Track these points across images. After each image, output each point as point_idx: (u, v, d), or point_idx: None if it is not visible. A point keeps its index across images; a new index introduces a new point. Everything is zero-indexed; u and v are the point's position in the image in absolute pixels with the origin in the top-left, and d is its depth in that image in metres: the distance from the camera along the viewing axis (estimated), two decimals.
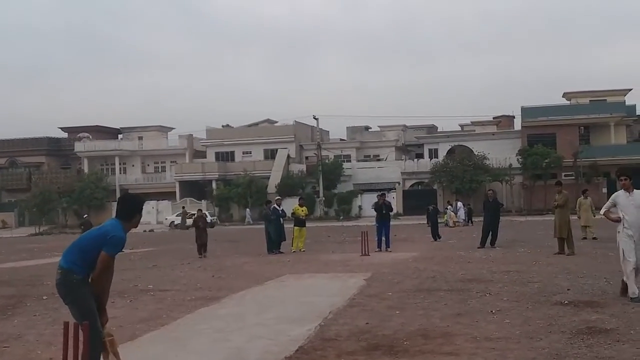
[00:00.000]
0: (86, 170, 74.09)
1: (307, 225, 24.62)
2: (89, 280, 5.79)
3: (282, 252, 22.61)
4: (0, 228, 69.09)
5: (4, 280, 17.29)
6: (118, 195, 70.29)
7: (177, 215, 59.27)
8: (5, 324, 10.31)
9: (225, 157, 73.23)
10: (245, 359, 7.36)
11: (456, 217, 42.32)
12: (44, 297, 12.57)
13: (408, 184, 67.04)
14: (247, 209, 63.12)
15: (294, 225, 23.83)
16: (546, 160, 58.51)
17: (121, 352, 7.00)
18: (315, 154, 67.22)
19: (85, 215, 46.40)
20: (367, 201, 56.32)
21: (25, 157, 78.68)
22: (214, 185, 68.75)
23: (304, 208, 24.70)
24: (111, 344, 5.81)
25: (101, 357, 5.82)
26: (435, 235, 27.50)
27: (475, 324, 8.76)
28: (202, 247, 23.38)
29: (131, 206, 6.15)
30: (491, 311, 9.65)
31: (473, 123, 74.64)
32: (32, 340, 8.79)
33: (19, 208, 71.11)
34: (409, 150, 74.83)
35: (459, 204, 44.78)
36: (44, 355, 7.80)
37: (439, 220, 31.56)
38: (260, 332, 8.77)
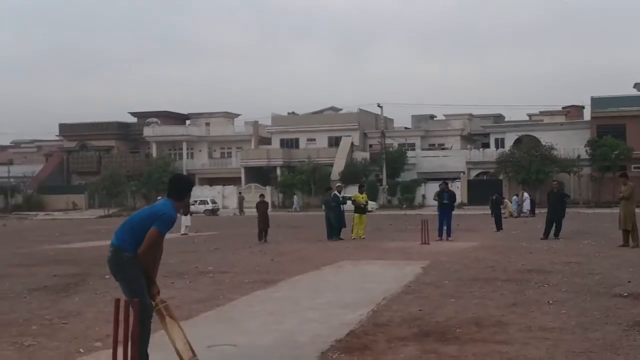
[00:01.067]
0: (154, 155, 75.44)
1: (369, 213, 24.59)
2: (137, 254, 5.92)
3: (342, 239, 22.65)
4: (71, 210, 71.12)
5: (70, 259, 17.83)
6: None
7: (211, 203, 59.74)
8: (67, 301, 10.64)
9: (289, 143, 73.62)
10: (295, 341, 7.43)
11: (514, 208, 41.79)
12: (106, 277, 12.84)
13: (473, 173, 66.17)
14: (295, 196, 63.22)
15: (354, 212, 23.86)
16: (615, 152, 56.92)
17: None
18: (379, 142, 66.93)
19: (159, 198, 47.39)
20: (431, 190, 55.82)
21: (95, 141, 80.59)
22: (278, 171, 69.22)
23: (364, 195, 24.69)
24: (166, 309, 5.98)
25: (164, 325, 5.96)
26: (499, 226, 27.14)
27: (530, 314, 8.64)
28: (263, 232, 23.43)
29: (182, 186, 6.28)
30: (548, 302, 9.50)
31: (541, 113, 73.08)
32: (91, 318, 9.05)
33: (89, 190, 72.81)
34: (475, 139, 73.82)
35: (525, 194, 44.17)
36: (101, 332, 8.02)
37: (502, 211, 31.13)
38: (313, 316, 8.84)
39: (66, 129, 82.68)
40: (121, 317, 5.67)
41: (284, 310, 9.38)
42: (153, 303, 5.97)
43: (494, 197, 30.94)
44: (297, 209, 60.24)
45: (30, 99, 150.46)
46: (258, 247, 20.54)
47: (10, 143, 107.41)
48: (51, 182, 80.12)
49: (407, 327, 8.01)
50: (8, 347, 7.43)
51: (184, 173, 72.01)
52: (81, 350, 7.22)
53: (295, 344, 7.29)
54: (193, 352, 5.91)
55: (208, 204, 59.21)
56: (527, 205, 42.51)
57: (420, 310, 9.10)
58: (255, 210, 25.86)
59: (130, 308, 5.67)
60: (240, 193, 60.86)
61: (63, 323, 8.74)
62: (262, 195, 26.84)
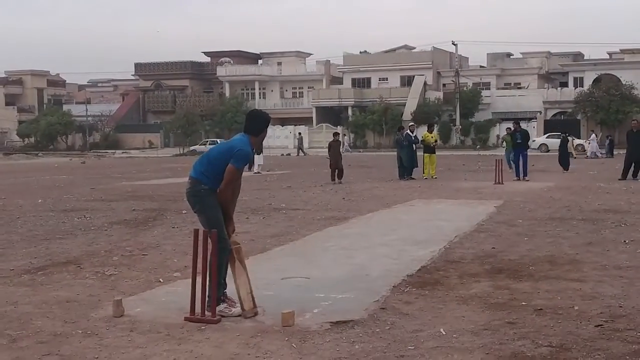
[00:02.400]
0: (227, 95, 76.17)
1: (442, 153, 24.32)
2: (217, 191, 6.03)
3: (413, 179, 22.56)
4: (147, 148, 72.77)
5: (147, 195, 18.34)
6: None
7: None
8: (146, 234, 10.99)
9: (361, 83, 73.09)
10: (367, 275, 7.51)
11: (593, 149, 40.95)
12: (183, 212, 13.22)
13: (550, 113, 64.59)
14: (345, 136, 60.86)
15: (424, 152, 23.66)
16: None
17: (252, 262, 7.45)
18: (453, 81, 65.75)
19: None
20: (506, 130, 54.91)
21: (170, 80, 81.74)
22: (349, 111, 69.01)
23: (434, 134, 24.45)
24: (237, 251, 6.05)
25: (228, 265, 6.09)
26: (565, 165, 26.17)
27: (605, 253, 8.50)
28: (335, 172, 22.40)
29: (260, 121, 6.29)
30: (624, 241, 9.32)
31: (622, 51, 70.30)
32: (169, 250, 9.33)
33: (164, 129, 74.16)
34: (553, 78, 71.79)
35: (593, 135, 43.41)
36: (180, 264, 8.28)
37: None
38: (384, 252, 8.90)
39: (141, 69, 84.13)
40: (200, 248, 5.85)
41: (356, 245, 9.47)
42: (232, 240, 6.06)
43: (563, 135, 29.41)
44: (349, 150, 57.97)
45: (107, 38, 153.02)
46: (329, 186, 20.66)
47: (88, 82, 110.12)
48: (127, 121, 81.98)
49: (480, 264, 8.00)
50: (91, 276, 7.74)
51: None
52: (161, 280, 7.47)
53: (366, 278, 7.37)
54: (254, 303, 5.98)
55: None
56: (593, 147, 41.66)
57: (493, 248, 9.05)
58: (327, 150, 24.68)
59: (209, 239, 5.83)
60: (299, 133, 60.98)
61: (143, 254, 9.04)
62: (336, 134, 25.90)
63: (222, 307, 5.93)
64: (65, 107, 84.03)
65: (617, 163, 26.00)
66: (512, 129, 22.59)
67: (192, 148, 63.15)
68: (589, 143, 42.81)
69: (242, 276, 6.01)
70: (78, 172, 32.49)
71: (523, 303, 6.19)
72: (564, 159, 26.75)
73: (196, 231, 5.91)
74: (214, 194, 5.99)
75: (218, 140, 61.45)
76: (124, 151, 69.33)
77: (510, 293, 6.57)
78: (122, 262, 8.54)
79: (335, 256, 8.73)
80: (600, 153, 41.64)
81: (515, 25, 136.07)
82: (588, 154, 41.32)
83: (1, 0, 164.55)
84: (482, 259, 8.28)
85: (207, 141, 62.16)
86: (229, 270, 6.07)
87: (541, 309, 5.95)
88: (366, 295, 6.54)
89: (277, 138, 67.29)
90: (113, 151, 68.74)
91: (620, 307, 5.98)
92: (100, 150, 70.16)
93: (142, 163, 43.72)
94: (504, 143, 29.18)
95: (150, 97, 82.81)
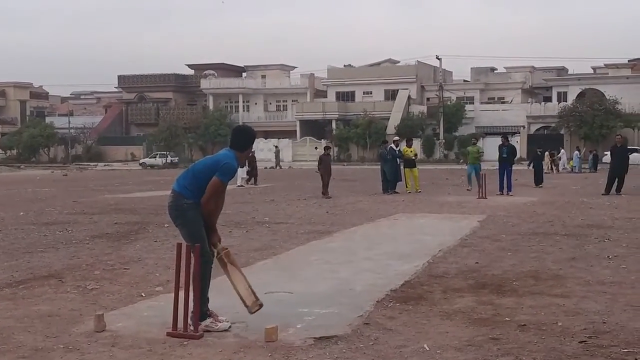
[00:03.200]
0: (211, 107, 76.08)
1: (425, 167, 24.38)
2: (201, 203, 5.99)
3: (397, 192, 22.58)
4: (129, 160, 72.46)
5: (129, 208, 18.22)
6: None
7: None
8: (128, 248, 10.90)
9: (345, 96, 73.27)
10: (351, 290, 7.48)
11: (575, 164, 41.43)
12: (165, 225, 13.14)
13: (534, 128, 65.03)
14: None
15: (404, 167, 23.67)
16: None
17: None
18: (437, 95, 66.09)
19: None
20: (490, 145, 55.14)
21: (153, 92, 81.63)
22: (333, 125, 69.12)
23: (413, 149, 24.57)
24: (227, 255, 6.04)
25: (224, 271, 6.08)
26: (538, 180, 26.33)
27: (589, 269, 8.52)
28: (327, 187, 21.97)
29: (246, 138, 6.26)
30: (608, 257, 9.35)
31: (606, 66, 71.07)
32: (151, 264, 9.26)
33: (147, 142, 73.94)
34: (537, 93, 72.37)
35: (562, 150, 44.60)
36: (162, 278, 8.22)
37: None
38: (368, 266, 8.88)
39: (125, 81, 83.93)
40: (182, 262, 5.80)
41: (340, 260, 9.44)
42: (215, 251, 6.04)
43: (538, 151, 29.34)
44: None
45: (90, 50, 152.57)
46: (313, 200, 20.63)
47: (70, 94, 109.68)
48: (110, 133, 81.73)
49: (463, 279, 7.99)
50: (73, 290, 7.66)
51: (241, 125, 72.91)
52: (143, 294, 7.41)
53: (350, 293, 7.34)
54: (256, 296, 5.99)
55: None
56: (563, 162, 42.42)
57: (476, 263, 9.05)
58: (317, 163, 23.43)
59: (191, 253, 5.79)
60: (276, 146, 60.91)
61: (124, 268, 8.96)
62: (327, 148, 25.00)
63: (207, 322, 5.88)
64: (48, 119, 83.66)
65: (601, 178, 26.17)
66: (502, 142, 22.66)
67: (141, 161, 64.04)
68: (560, 158, 43.03)
69: (236, 275, 6.01)
70: (60, 184, 32.27)
71: (507, 319, 6.18)
72: (538, 174, 26.77)
73: (179, 245, 5.86)
74: (196, 208, 5.95)
75: (167, 154, 65.29)
76: (106, 163, 69.03)
77: (494, 308, 6.57)
78: (103, 276, 8.46)
79: (319, 270, 8.70)
80: (584, 168, 41.91)
81: (499, 40, 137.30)
82: (560, 168, 41.52)
83: None
84: (466, 274, 8.28)
85: (157, 154, 65.21)
86: (212, 282, 6.03)
87: (525, 325, 5.94)
88: (350, 310, 6.50)
89: (261, 151, 67.04)
90: (95, 164, 68.42)
91: (604, 323, 5.99)
92: (83, 163, 69.82)
93: (125, 176, 43.49)
94: (467, 155, 26.05)
95: (133, 110, 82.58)
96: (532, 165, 28.27)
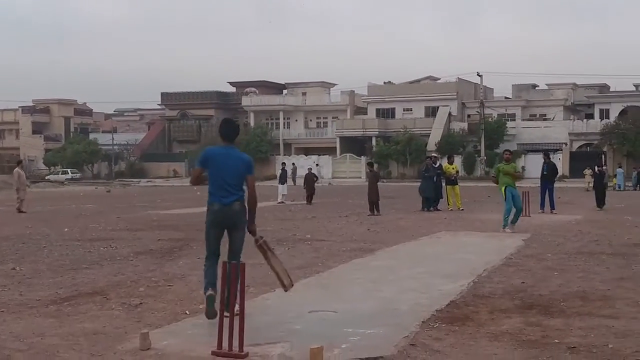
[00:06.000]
0: (252, 124, 76.50)
1: (466, 184, 24.18)
2: (249, 199, 7.07)
3: (439, 210, 22.40)
4: (171, 177, 73.15)
5: (171, 224, 18.35)
6: (282, 149, 72.48)
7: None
8: (172, 265, 10.96)
9: (385, 113, 73.08)
10: (396, 309, 7.41)
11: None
12: None
13: (576, 145, 64.12)
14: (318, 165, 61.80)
15: (445, 184, 23.50)
16: None
17: (278, 294, 7.79)
18: (477, 112, 65.54)
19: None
20: (531, 162, 54.52)
21: (195, 109, 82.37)
22: (373, 141, 68.95)
23: (454, 166, 24.40)
24: (265, 243, 6.85)
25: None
26: (600, 203, 23.44)
27: (638, 289, 8.34)
28: (373, 205, 21.55)
29: (235, 127, 7.11)
30: None
31: None
32: (195, 281, 9.27)
33: (189, 158, 74.50)
34: (578, 110, 71.37)
35: (605, 167, 43.15)
36: None
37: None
38: (412, 285, 8.79)
39: (167, 98, 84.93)
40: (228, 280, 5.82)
41: (383, 278, 9.37)
42: (258, 237, 6.82)
43: (600, 169, 25.23)
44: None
45: (133, 67, 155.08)
46: (354, 217, 20.56)
47: (114, 111, 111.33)
48: (153, 149, 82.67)
49: (510, 299, 7.86)
50: (118, 307, 7.71)
51: (281, 143, 73.31)
52: (187, 312, 7.43)
53: (395, 312, 7.27)
54: (290, 279, 6.92)
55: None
56: (619, 179, 41.18)
57: (522, 282, 8.91)
58: (365, 180, 22.48)
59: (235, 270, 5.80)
60: (293, 163, 59.16)
61: (168, 285, 9.01)
62: (370, 164, 24.54)
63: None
64: (91, 136, 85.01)
65: None
66: (544, 158, 22.33)
67: (46, 177, 67.44)
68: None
69: (274, 258, 6.86)
70: (103, 200, 32.70)
71: (556, 340, 6.06)
72: (599, 195, 23.80)
73: (225, 264, 5.88)
74: None
75: (69, 170, 68.92)
76: (149, 180, 69.79)
77: (542, 330, 6.44)
78: (148, 293, 8.51)
79: (362, 289, 8.63)
80: (627, 186, 41.16)
81: (540, 57, 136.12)
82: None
83: (34, 32, 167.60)
84: (512, 294, 8.15)
85: (60, 171, 68.99)
86: (258, 302, 6.07)
87: (575, 347, 5.82)
88: (395, 331, 6.43)
89: (302, 168, 67.31)
90: (138, 180, 69.25)
91: None
92: (126, 179, 70.72)
93: (167, 192, 43.91)
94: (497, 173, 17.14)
95: (175, 127, 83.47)
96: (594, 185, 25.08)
